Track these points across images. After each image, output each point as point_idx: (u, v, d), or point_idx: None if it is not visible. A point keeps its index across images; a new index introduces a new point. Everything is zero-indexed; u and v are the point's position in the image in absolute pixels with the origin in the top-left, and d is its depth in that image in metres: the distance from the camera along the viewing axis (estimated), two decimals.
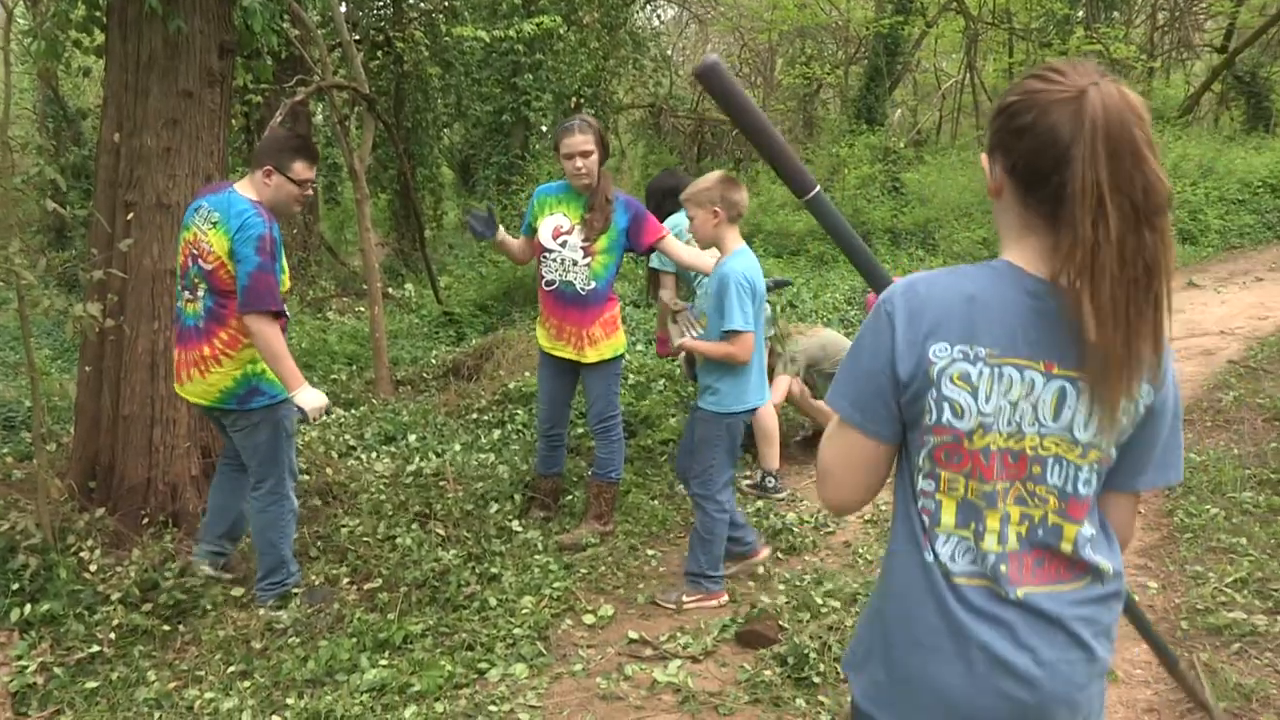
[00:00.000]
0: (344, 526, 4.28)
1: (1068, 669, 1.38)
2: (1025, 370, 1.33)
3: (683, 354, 3.80)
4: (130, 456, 4.23)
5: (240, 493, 3.81)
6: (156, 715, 3.08)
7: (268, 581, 3.72)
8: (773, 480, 4.94)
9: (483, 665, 3.31)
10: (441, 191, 16.93)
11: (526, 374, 6.30)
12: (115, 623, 3.50)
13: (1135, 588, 3.69)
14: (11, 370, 7.77)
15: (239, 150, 9.95)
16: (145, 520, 4.14)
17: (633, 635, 3.55)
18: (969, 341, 1.33)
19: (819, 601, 3.62)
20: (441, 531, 4.25)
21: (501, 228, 4.25)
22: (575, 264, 4.14)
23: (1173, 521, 4.28)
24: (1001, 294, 1.34)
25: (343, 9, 10.05)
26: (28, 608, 3.48)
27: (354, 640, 3.43)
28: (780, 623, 3.50)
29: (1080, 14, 17.84)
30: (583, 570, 4.05)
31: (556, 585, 3.87)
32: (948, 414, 1.35)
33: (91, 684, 3.22)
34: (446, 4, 12.36)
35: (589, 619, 3.68)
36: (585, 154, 4.05)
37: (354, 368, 7.55)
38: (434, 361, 7.52)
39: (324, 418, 4.44)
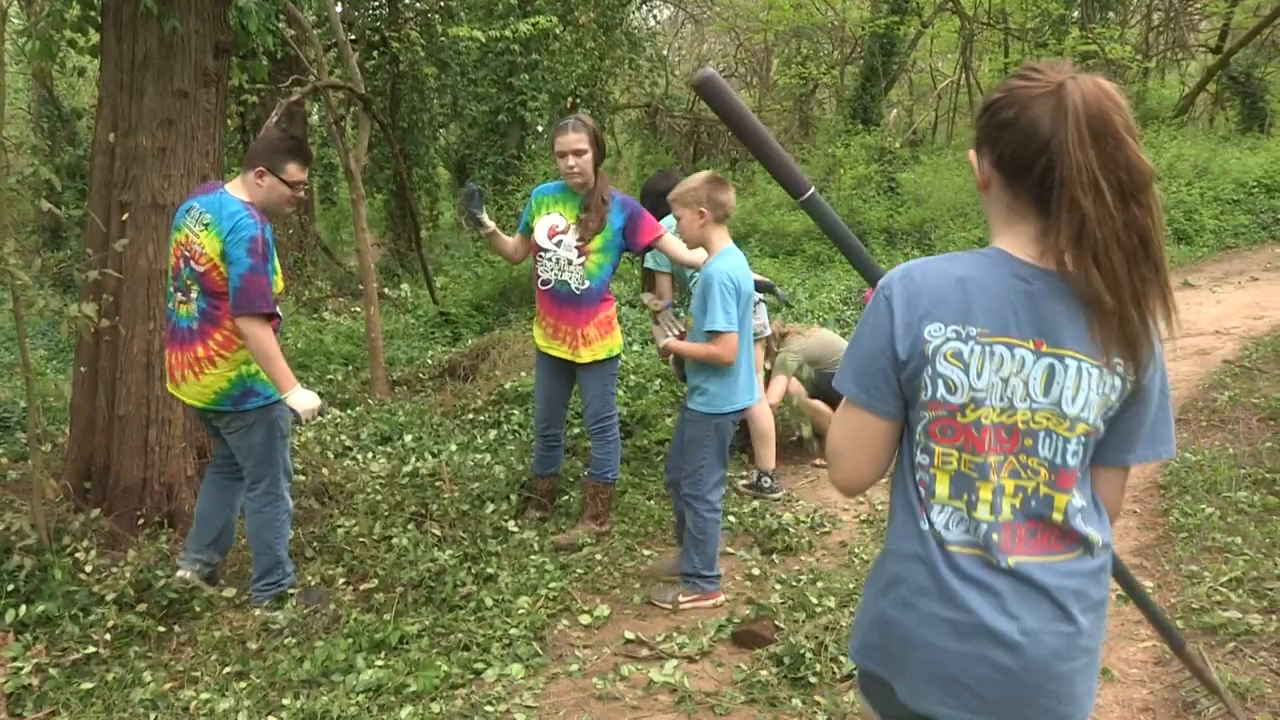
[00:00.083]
0: (340, 527, 4.27)
1: (1051, 639, 1.44)
2: (1015, 348, 1.42)
3: (671, 355, 3.81)
4: (126, 457, 4.22)
5: (229, 501, 3.78)
6: (152, 716, 3.08)
7: (264, 582, 3.71)
8: (769, 480, 4.95)
9: (479, 665, 3.30)
10: (437, 192, 16.95)
11: (523, 374, 6.30)
12: (111, 623, 3.49)
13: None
14: (6, 370, 7.76)
15: (234, 150, 9.93)
16: (141, 521, 4.14)
17: (629, 635, 3.55)
18: (962, 322, 1.42)
19: (815, 601, 3.62)
20: (437, 532, 4.25)
21: (490, 222, 4.26)
22: (570, 263, 4.14)
23: (1168, 521, 4.29)
24: (992, 277, 1.43)
25: (338, 9, 10.06)
26: (23, 609, 3.47)
27: (350, 641, 3.43)
28: (776, 623, 3.51)
29: (1075, 14, 17.87)
30: (579, 570, 4.05)
31: (553, 585, 3.87)
32: (942, 390, 1.44)
33: (87, 685, 3.21)
34: (442, 4, 12.37)
35: (585, 619, 3.68)
36: (578, 152, 4.06)
37: (350, 368, 7.55)
38: (430, 362, 7.51)
39: (318, 419, 4.43)
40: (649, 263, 4.81)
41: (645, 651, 3.44)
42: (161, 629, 3.56)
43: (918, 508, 1.51)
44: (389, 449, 5.45)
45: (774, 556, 4.22)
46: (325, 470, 4.82)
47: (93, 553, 3.80)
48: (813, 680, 3.14)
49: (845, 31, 19.70)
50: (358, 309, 9.54)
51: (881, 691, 1.61)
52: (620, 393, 5.75)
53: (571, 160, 4.06)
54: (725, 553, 4.18)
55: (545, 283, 4.22)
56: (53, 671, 3.25)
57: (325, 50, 7.41)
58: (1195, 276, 9.99)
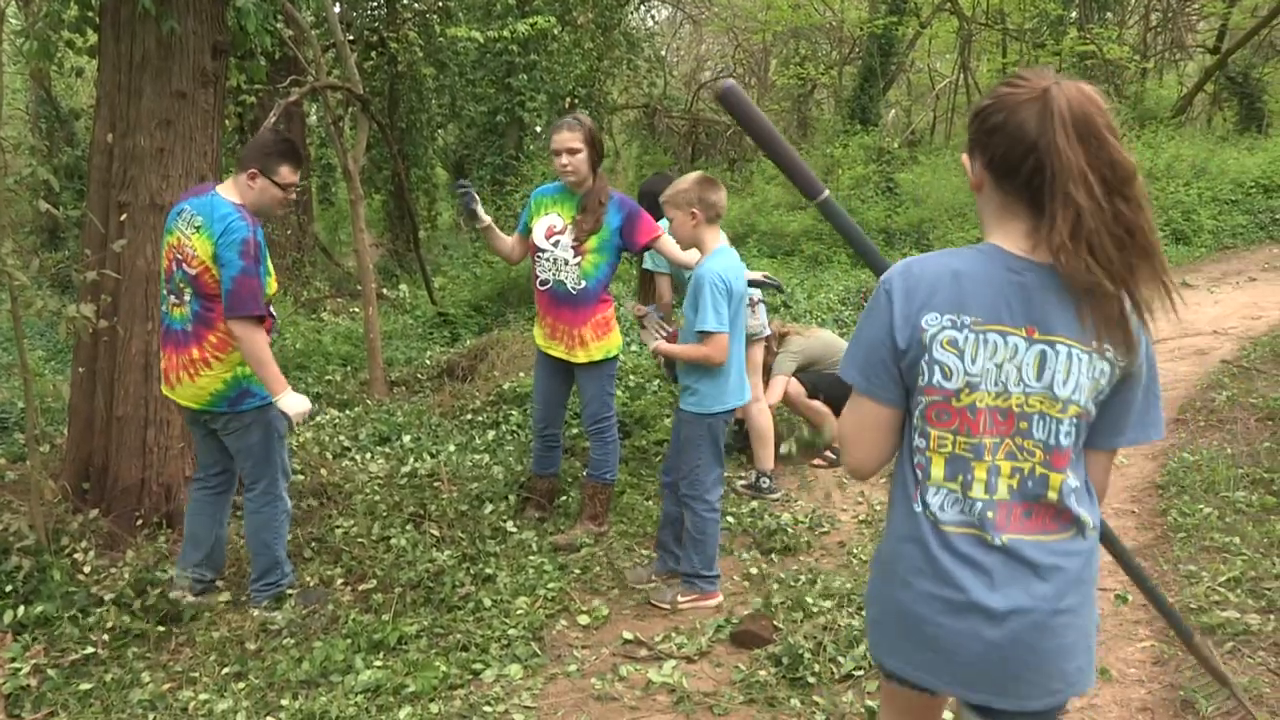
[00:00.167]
0: (339, 527, 4.27)
1: (1038, 616, 1.53)
2: (1008, 336, 1.51)
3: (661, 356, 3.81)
4: (124, 458, 4.22)
5: (216, 517, 3.75)
6: (151, 717, 3.08)
7: (262, 583, 3.71)
8: (767, 481, 4.95)
9: (477, 666, 3.30)
10: (436, 192, 16.94)
11: (521, 374, 6.30)
12: (109, 624, 3.49)
13: (1130, 587, 3.69)
14: (5, 371, 7.74)
15: (233, 151, 9.92)
16: (139, 521, 4.14)
17: (627, 636, 3.55)
18: (957, 311, 1.52)
19: (813, 602, 3.62)
20: (436, 532, 4.25)
21: (482, 208, 4.25)
22: (567, 263, 4.15)
23: (1166, 521, 4.30)
24: (986, 270, 1.53)
25: (337, 9, 10.05)
26: (21, 609, 3.47)
27: (349, 641, 3.43)
28: (775, 623, 3.51)
29: (1074, 14, 17.89)
30: (577, 571, 4.05)
31: (551, 586, 3.87)
32: (938, 376, 1.53)
33: (86, 686, 3.20)
34: (441, 4, 12.37)
35: (584, 619, 3.68)
36: (572, 151, 4.06)
37: (348, 369, 7.54)
38: (428, 362, 7.51)
39: (308, 422, 4.41)
40: (647, 264, 4.81)
41: (644, 652, 3.44)
42: (160, 629, 3.55)
43: (913, 490, 1.60)
44: (387, 449, 5.45)
45: (772, 557, 4.22)
46: (324, 471, 4.81)
47: (91, 553, 3.80)
48: (811, 680, 3.14)
49: (843, 32, 19.73)
50: (356, 309, 9.53)
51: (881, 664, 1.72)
52: (619, 393, 5.75)
53: (565, 159, 4.06)
54: (723, 552, 4.18)
55: (544, 283, 4.23)
56: (51, 672, 3.24)
57: (323, 51, 7.41)
58: (1193, 277, 10.00)
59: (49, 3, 4.48)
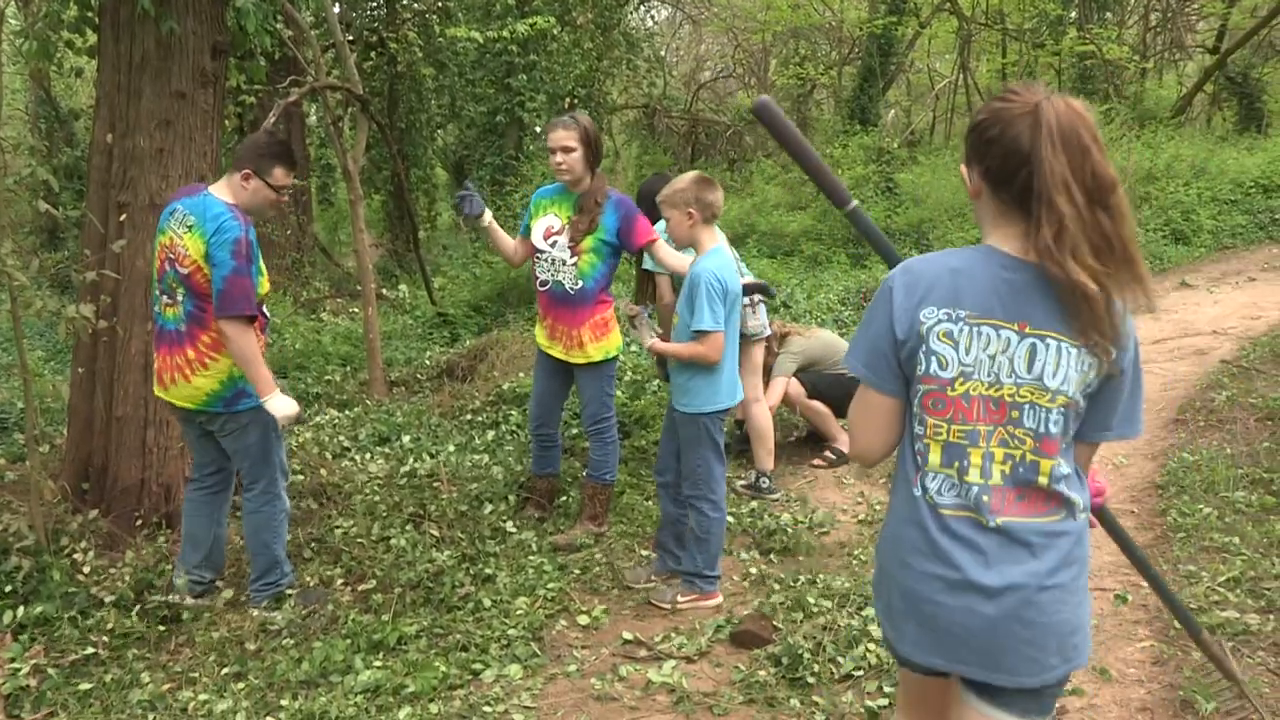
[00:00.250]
0: (338, 528, 4.27)
1: (1028, 591, 1.62)
2: (1001, 329, 1.61)
3: (657, 354, 3.82)
4: (124, 458, 4.22)
5: (214, 517, 3.75)
6: (150, 717, 3.08)
7: (261, 583, 3.71)
8: (766, 481, 4.95)
9: (477, 666, 3.30)
10: (435, 192, 16.95)
11: (521, 375, 6.30)
12: (109, 625, 3.49)
13: (1130, 587, 3.70)
14: (4, 372, 7.74)
15: (232, 151, 9.93)
16: (139, 522, 4.13)
17: (627, 636, 3.55)
18: (953, 305, 1.63)
19: (813, 602, 3.62)
20: (436, 532, 4.25)
21: (489, 212, 4.25)
22: (564, 264, 4.15)
23: (1166, 521, 4.30)
24: (981, 268, 1.63)
25: (336, 9, 10.05)
26: (21, 610, 3.47)
27: (348, 641, 3.43)
28: (775, 623, 3.51)
29: (1073, 14, 17.90)
30: (577, 571, 4.05)
31: (551, 586, 3.87)
32: (934, 366, 1.64)
33: (85, 686, 3.20)
34: (440, 4, 12.37)
35: (583, 620, 3.68)
36: (567, 149, 4.05)
37: (348, 369, 7.53)
38: (428, 362, 7.51)
39: (293, 426, 4.40)
40: (646, 264, 4.80)
41: (643, 652, 3.45)
42: (160, 630, 3.55)
43: (914, 475, 1.71)
44: (387, 450, 5.45)
45: (772, 557, 4.22)
46: (323, 471, 4.82)
47: (91, 554, 3.80)
48: (811, 680, 3.14)
49: (843, 32, 19.73)
50: (355, 310, 9.53)
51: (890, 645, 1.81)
52: (618, 393, 5.75)
53: (560, 157, 4.06)
54: (723, 552, 4.17)
55: (543, 283, 4.23)
56: (51, 672, 3.24)
57: (323, 51, 7.41)
58: (1193, 277, 10.00)
59: (49, 3, 4.47)
